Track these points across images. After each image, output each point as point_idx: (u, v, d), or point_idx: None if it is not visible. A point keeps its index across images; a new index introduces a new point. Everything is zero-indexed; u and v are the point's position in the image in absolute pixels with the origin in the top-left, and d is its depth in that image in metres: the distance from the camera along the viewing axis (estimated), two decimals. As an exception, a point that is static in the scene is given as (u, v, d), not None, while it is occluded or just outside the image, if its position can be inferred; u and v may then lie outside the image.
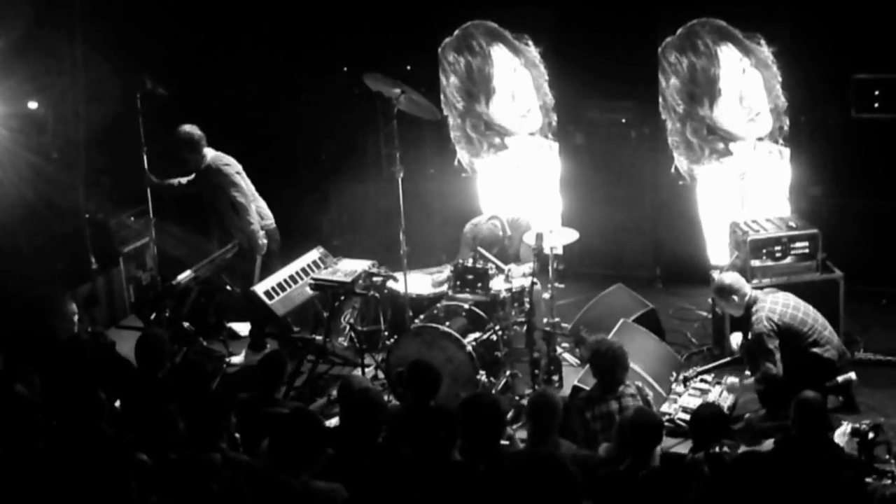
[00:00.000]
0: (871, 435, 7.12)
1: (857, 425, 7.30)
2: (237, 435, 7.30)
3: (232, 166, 10.39)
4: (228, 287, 10.68)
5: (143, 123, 10.54)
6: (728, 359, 9.78)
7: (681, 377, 9.41)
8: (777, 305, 8.88)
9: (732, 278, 9.18)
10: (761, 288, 9.41)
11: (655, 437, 6.67)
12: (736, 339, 9.32)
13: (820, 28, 10.94)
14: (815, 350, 8.83)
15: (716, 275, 9.58)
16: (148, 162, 10.62)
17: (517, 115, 12.48)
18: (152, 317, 10.25)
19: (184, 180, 10.61)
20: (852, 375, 8.93)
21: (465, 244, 10.50)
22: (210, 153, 10.37)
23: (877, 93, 10.92)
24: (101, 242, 11.08)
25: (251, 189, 10.52)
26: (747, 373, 9.05)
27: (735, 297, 9.05)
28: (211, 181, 10.38)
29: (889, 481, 6.78)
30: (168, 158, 10.64)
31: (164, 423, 6.73)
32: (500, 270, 9.74)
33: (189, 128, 10.31)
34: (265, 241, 10.44)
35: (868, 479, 6.96)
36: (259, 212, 10.50)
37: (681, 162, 11.93)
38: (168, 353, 8.33)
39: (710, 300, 10.46)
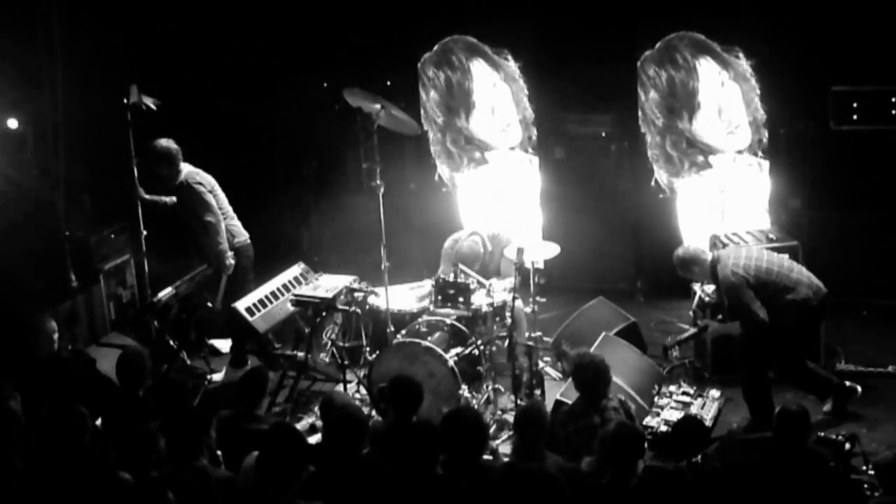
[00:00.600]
0: (847, 446, 7.13)
1: (833, 436, 7.32)
2: (219, 452, 7.28)
3: (204, 185, 10.32)
4: (209, 304, 10.65)
5: (130, 137, 10.55)
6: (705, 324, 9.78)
7: (670, 346, 9.50)
8: (740, 259, 8.90)
9: (686, 249, 9.24)
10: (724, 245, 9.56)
11: (638, 451, 6.66)
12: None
13: (798, 41, 10.98)
14: (789, 297, 8.84)
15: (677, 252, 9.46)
16: (137, 176, 10.62)
17: (497, 129, 12.50)
18: (138, 332, 10.25)
19: (173, 199, 10.57)
20: (858, 388, 8.96)
21: (446, 259, 10.49)
22: (185, 169, 10.33)
23: (855, 105, 10.97)
24: (81, 259, 11.02)
25: (225, 206, 10.47)
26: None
27: (696, 267, 9.11)
28: (182, 198, 10.34)
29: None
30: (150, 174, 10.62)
31: (145, 441, 6.69)
32: (481, 286, 9.73)
33: (166, 142, 10.26)
34: (232, 262, 10.34)
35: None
36: (230, 230, 10.42)
37: (660, 175, 11.96)
38: (149, 371, 8.29)
39: (691, 313, 10.48)
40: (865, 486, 6.90)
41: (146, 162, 10.37)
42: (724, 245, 10.12)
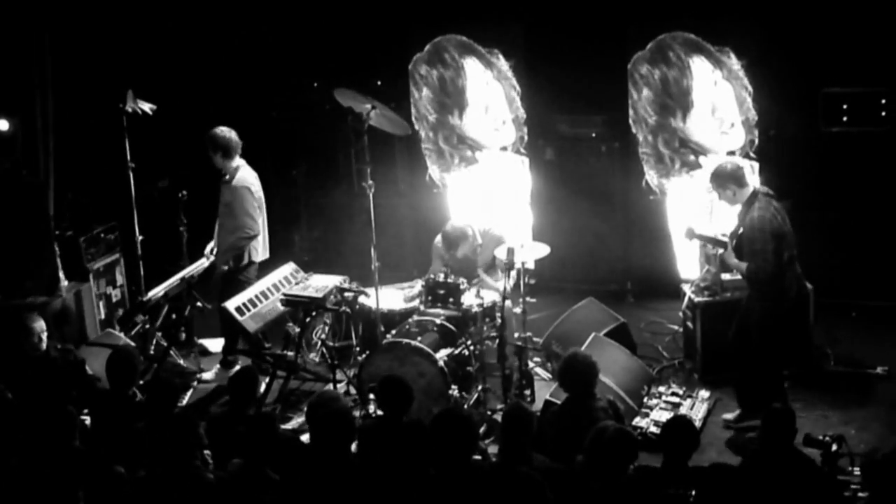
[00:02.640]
0: (834, 447, 7.13)
1: (821, 437, 7.32)
2: (207, 452, 7.27)
3: (254, 192, 10.32)
4: (199, 304, 10.64)
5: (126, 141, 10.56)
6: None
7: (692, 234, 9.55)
8: (778, 214, 8.76)
9: (733, 163, 9.09)
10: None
11: (630, 453, 6.65)
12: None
13: (789, 42, 11.01)
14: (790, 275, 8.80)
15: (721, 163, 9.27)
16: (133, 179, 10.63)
17: (490, 128, 12.51)
18: (131, 332, 10.25)
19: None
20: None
21: (437, 256, 10.49)
22: (241, 169, 10.30)
23: (845, 106, 10.99)
24: (71, 259, 11.01)
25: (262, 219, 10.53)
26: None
27: (734, 186, 8.86)
28: (227, 193, 10.32)
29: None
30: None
31: (133, 440, 6.70)
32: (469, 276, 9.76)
33: (228, 132, 10.23)
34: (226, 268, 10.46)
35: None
36: (255, 246, 10.46)
37: (651, 176, 11.97)
38: (139, 370, 8.28)
39: (680, 314, 10.49)
40: (853, 486, 6.90)
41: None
42: (714, 247, 10.11)
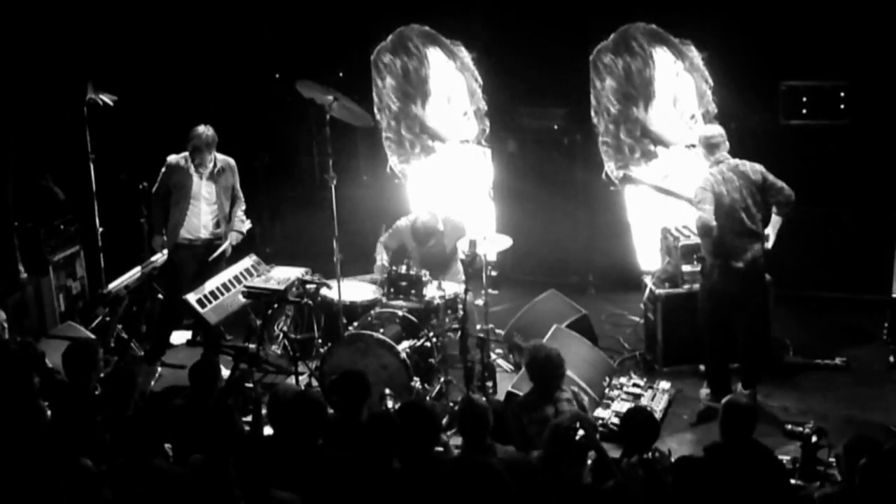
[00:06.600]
0: (814, 438, 7.20)
1: (801, 429, 7.39)
2: (167, 445, 7.24)
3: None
4: (160, 295, 10.60)
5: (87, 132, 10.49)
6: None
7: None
8: (725, 183, 9.00)
9: (711, 133, 9.35)
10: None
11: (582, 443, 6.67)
12: None
13: (748, 36, 11.07)
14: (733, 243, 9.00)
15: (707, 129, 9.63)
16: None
17: (453, 118, 12.50)
18: (88, 324, 10.18)
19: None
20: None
21: (386, 248, 10.51)
22: (217, 153, 10.35)
23: (805, 100, 11.06)
24: (30, 251, 10.93)
25: None
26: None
27: (703, 152, 9.28)
28: (223, 178, 10.35)
29: (828, 483, 6.85)
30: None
31: (94, 433, 6.66)
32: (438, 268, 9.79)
33: (210, 128, 10.21)
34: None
35: (798, 482, 7.07)
36: None
37: (610, 167, 12.01)
38: (99, 363, 8.22)
39: (641, 305, 10.54)
40: (831, 477, 6.94)
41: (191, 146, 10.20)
42: (675, 238, 10.18)
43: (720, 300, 9.13)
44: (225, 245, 10.36)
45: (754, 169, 9.11)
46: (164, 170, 10.33)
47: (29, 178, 11.35)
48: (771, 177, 9.12)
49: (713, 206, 8.88)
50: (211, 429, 6.67)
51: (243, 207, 10.56)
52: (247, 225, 10.56)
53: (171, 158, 10.28)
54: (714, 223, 8.84)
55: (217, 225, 10.36)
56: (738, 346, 9.29)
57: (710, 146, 9.18)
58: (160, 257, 10.49)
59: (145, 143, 11.50)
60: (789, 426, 7.74)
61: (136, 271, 10.37)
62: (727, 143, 9.21)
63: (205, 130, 10.11)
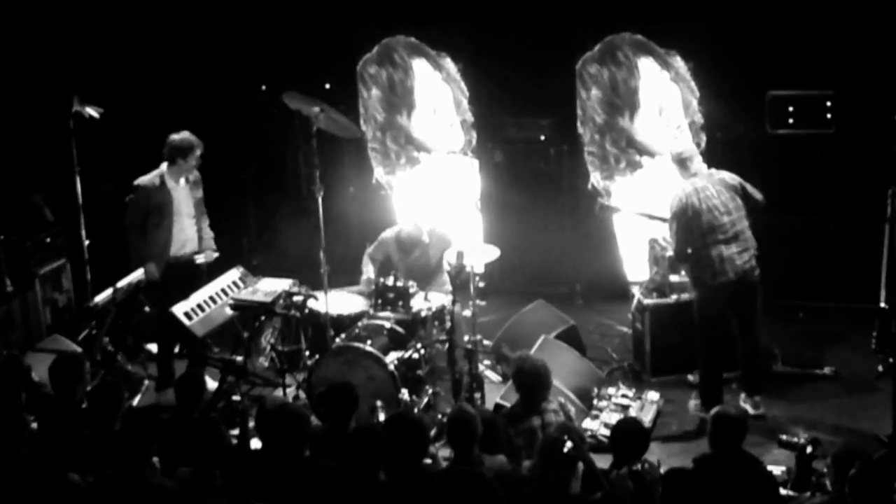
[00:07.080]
0: (808, 449, 7.19)
1: (796, 439, 7.38)
2: (155, 458, 7.20)
3: None
4: (146, 308, 10.55)
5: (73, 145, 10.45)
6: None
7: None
8: (696, 195, 9.08)
9: (682, 149, 9.46)
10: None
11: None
12: None
13: (734, 45, 11.10)
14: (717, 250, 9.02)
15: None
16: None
17: (439, 129, 12.50)
18: (78, 337, 10.13)
19: None
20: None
21: (373, 260, 10.50)
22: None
23: (791, 109, 11.08)
24: (17, 264, 10.88)
25: None
26: None
27: (678, 169, 9.38)
28: (200, 187, 10.31)
29: (818, 493, 6.84)
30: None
31: (80, 447, 6.62)
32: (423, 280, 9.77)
33: (188, 134, 10.10)
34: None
35: (789, 493, 7.06)
36: None
37: (595, 178, 12.01)
38: (86, 376, 8.18)
39: (629, 315, 10.53)
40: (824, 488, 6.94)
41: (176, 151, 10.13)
42: (663, 248, 10.17)
43: (714, 312, 9.12)
44: (202, 259, 10.30)
45: (731, 176, 9.23)
46: (133, 197, 10.02)
47: (14, 191, 11.32)
48: (749, 186, 9.18)
49: (684, 230, 9.01)
50: (197, 442, 6.63)
51: (208, 222, 10.45)
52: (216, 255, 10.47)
53: (143, 181, 9.98)
54: (685, 249, 8.98)
55: (200, 237, 10.32)
56: (734, 355, 9.29)
57: (682, 161, 9.29)
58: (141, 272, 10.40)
59: (132, 156, 11.46)
60: (784, 437, 7.74)
61: (123, 283, 10.27)
62: (698, 155, 9.32)
63: (188, 135, 10.05)
